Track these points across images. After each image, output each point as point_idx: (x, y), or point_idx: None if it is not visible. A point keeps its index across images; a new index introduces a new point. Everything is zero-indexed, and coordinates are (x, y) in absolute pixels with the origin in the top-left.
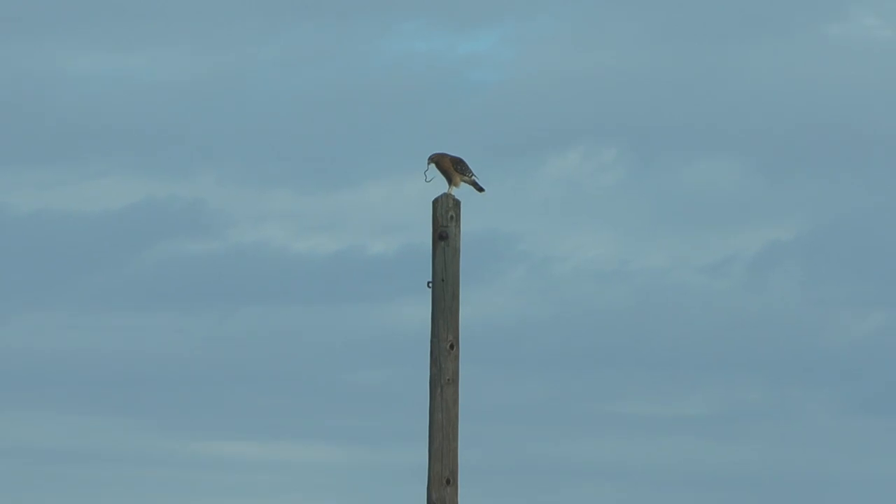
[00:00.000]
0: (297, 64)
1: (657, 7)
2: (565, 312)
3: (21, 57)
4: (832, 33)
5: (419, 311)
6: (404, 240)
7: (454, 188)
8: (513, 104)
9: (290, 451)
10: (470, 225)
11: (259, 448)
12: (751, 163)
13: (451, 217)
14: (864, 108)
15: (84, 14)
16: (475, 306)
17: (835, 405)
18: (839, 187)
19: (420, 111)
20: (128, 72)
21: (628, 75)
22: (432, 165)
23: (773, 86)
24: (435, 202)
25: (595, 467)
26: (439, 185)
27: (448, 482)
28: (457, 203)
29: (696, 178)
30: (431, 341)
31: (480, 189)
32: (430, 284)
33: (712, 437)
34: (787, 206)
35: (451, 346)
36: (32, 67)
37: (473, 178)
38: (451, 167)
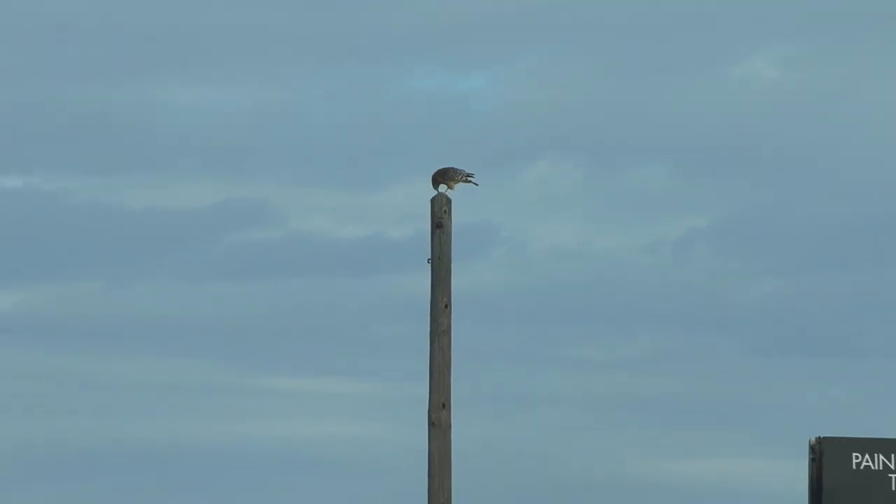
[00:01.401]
0: (337, 96)
1: (605, 52)
2: (536, 282)
3: (137, 91)
4: (732, 73)
5: (423, 281)
6: (415, 228)
7: (449, 191)
8: (499, 126)
9: (329, 384)
10: (463, 217)
11: (307, 382)
12: (675, 168)
13: (445, 211)
14: (756, 128)
15: (183, 61)
16: (466, 277)
17: (738, 349)
18: (739, 187)
19: (430, 132)
20: (212, 102)
21: (584, 103)
22: (443, 187)
23: (690, 111)
24: (432, 200)
25: (555, 396)
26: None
27: (443, 406)
28: (449, 200)
29: (635, 180)
30: (431, 302)
31: (476, 184)
32: (430, 261)
33: (646, 374)
34: (701, 201)
35: (446, 306)
36: (145, 98)
37: (464, 177)
38: (443, 179)
